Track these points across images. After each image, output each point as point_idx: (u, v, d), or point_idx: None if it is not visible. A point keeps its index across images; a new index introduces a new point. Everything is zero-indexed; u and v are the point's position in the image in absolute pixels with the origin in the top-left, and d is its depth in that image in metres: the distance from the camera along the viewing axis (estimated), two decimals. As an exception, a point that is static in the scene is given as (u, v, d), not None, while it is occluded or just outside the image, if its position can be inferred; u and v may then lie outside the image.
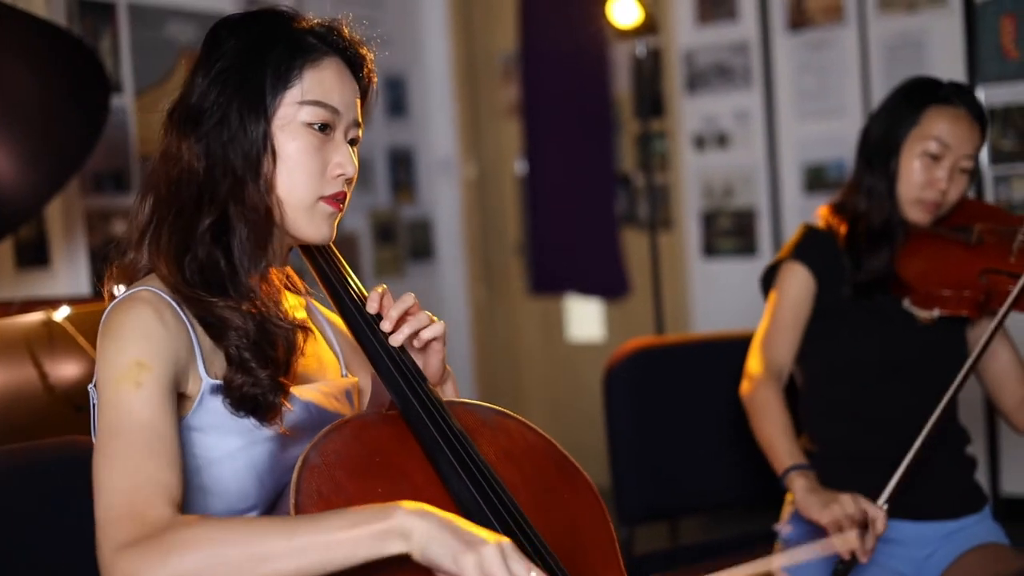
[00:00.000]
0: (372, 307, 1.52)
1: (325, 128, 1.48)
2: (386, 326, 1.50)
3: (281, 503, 1.45)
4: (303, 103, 1.46)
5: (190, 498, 1.42)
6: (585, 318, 5.14)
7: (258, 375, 1.41)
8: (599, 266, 4.95)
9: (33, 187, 2.80)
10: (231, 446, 1.41)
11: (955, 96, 2.27)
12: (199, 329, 1.42)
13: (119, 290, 1.48)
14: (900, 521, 2.20)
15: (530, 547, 1.35)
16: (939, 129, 2.24)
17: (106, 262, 1.51)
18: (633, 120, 4.80)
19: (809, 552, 1.47)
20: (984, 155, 3.84)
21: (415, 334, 1.52)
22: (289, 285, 1.59)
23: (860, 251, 2.28)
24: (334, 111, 1.48)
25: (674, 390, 2.63)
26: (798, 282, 2.30)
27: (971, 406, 3.79)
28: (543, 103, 5.02)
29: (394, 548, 1.22)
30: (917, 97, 2.28)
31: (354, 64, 1.53)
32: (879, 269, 2.26)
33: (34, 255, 3.36)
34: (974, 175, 2.32)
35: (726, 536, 2.82)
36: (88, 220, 3.51)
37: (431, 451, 1.42)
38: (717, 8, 4.49)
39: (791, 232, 3.12)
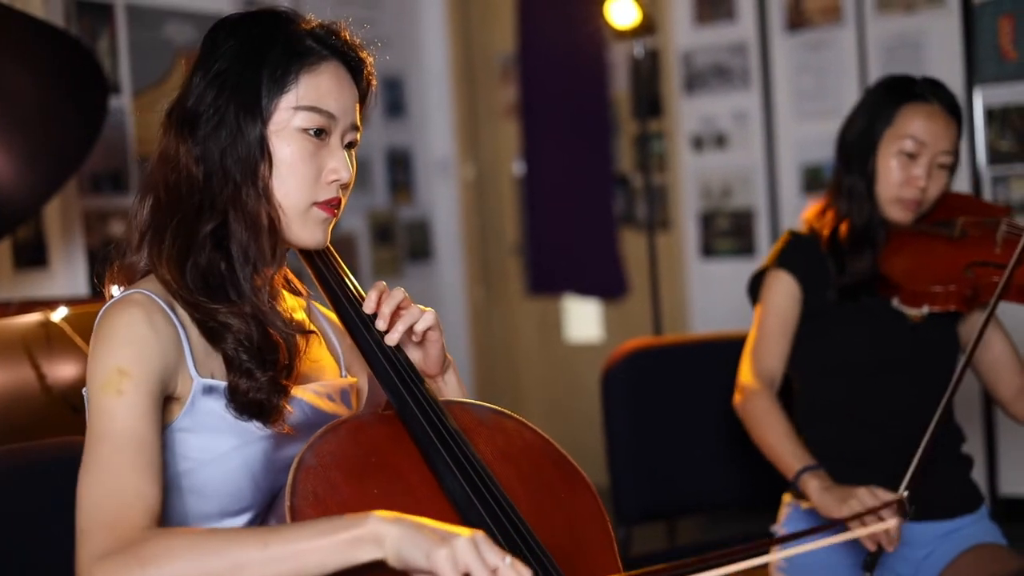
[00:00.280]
0: (369, 307, 1.52)
1: (321, 133, 1.47)
2: (380, 324, 1.51)
3: (277, 505, 1.45)
4: (298, 108, 1.45)
5: (183, 501, 1.42)
6: (583, 318, 5.14)
7: (259, 378, 1.41)
8: (597, 267, 4.95)
9: (31, 188, 2.80)
10: (225, 446, 1.41)
11: (928, 93, 2.26)
12: (191, 330, 1.42)
13: (118, 291, 1.48)
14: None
15: (524, 546, 1.35)
16: (914, 127, 2.23)
17: (106, 263, 1.52)
18: (631, 121, 4.80)
19: (805, 547, 1.47)
20: (982, 155, 3.84)
21: (410, 329, 1.52)
22: (287, 286, 1.59)
23: (842, 254, 2.27)
24: (330, 116, 1.47)
25: (672, 391, 2.63)
26: (783, 290, 2.29)
27: (969, 407, 3.79)
28: (541, 104, 5.03)
29: (367, 554, 1.22)
30: (890, 96, 2.28)
31: (353, 67, 1.52)
32: (863, 271, 2.26)
33: (32, 256, 3.36)
34: (954, 169, 2.30)
35: (723, 537, 2.82)
36: (86, 221, 3.51)
37: (426, 450, 1.42)
38: (715, 9, 4.49)
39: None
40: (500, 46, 5.19)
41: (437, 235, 5.22)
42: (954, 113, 2.27)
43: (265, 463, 1.44)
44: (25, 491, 1.66)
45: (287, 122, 1.45)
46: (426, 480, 1.40)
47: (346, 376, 1.64)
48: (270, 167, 1.45)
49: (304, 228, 1.48)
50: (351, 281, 1.56)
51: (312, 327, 1.58)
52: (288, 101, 1.45)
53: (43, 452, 1.71)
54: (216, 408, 1.42)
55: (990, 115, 3.82)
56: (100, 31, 3.58)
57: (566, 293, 5.13)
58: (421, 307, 1.55)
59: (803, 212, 2.42)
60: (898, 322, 2.27)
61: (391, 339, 1.50)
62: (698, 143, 4.58)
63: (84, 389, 1.43)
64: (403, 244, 5.02)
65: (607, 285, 4.94)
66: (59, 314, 2.36)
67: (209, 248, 1.44)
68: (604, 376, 2.59)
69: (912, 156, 2.23)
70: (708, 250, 4.60)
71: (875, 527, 1.92)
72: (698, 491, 2.65)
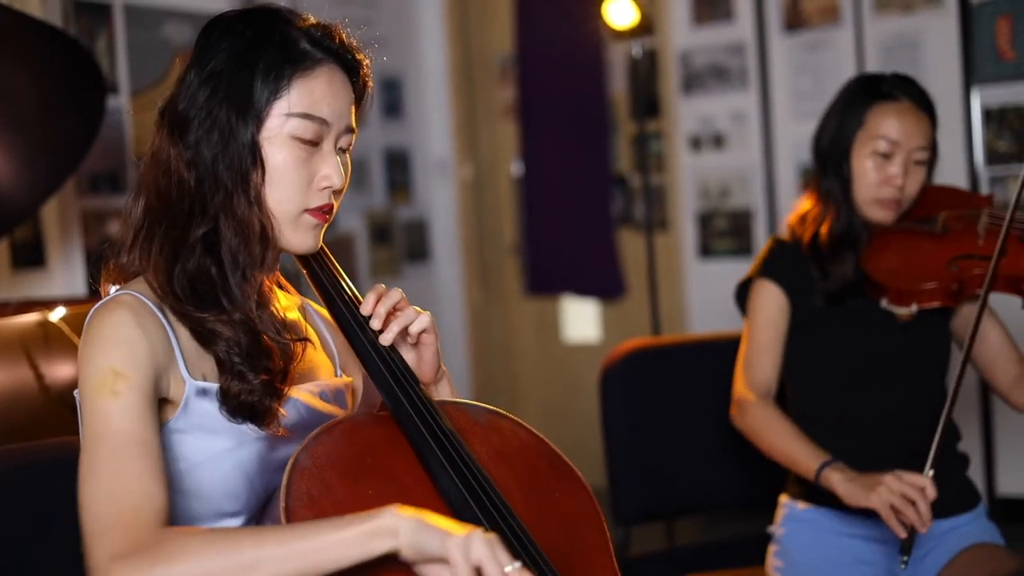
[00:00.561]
0: (367, 309, 1.51)
1: (313, 139, 1.46)
2: (375, 324, 1.50)
3: (271, 506, 1.45)
4: (290, 115, 1.43)
5: (177, 503, 1.41)
6: (581, 319, 5.14)
7: (252, 381, 1.41)
8: (595, 267, 4.95)
9: (29, 188, 2.80)
10: (218, 448, 1.41)
11: (897, 90, 2.25)
12: (182, 332, 1.42)
13: (115, 290, 1.48)
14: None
15: (520, 547, 1.35)
16: (885, 127, 2.23)
17: (101, 261, 1.51)
18: (629, 121, 4.80)
19: None
20: (980, 156, 3.85)
21: (405, 331, 1.52)
22: (281, 284, 1.59)
23: (824, 259, 2.27)
24: (323, 123, 1.45)
25: (670, 391, 2.63)
26: (769, 300, 2.29)
27: (967, 407, 3.79)
28: (539, 104, 5.03)
29: (383, 546, 1.24)
30: (859, 97, 2.27)
31: (350, 69, 1.50)
32: (846, 275, 2.25)
33: (30, 256, 3.36)
34: (932, 163, 2.30)
35: (721, 537, 2.83)
36: (84, 221, 3.51)
37: (421, 451, 1.42)
38: (713, 9, 4.49)
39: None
40: (498, 46, 5.19)
41: (435, 235, 5.22)
42: (926, 108, 2.26)
43: (260, 464, 1.44)
44: (24, 491, 1.66)
45: (279, 128, 1.44)
46: (421, 481, 1.40)
47: (341, 375, 1.64)
48: (262, 174, 1.44)
49: (295, 234, 1.47)
50: (346, 282, 1.56)
51: (308, 332, 1.58)
52: (281, 107, 1.43)
53: (42, 452, 1.71)
54: (210, 410, 1.41)
55: (988, 115, 3.82)
56: (98, 31, 3.58)
57: (564, 293, 5.13)
58: (417, 309, 1.54)
59: (786, 218, 2.42)
60: (888, 322, 2.27)
61: (385, 339, 1.50)
62: (696, 143, 4.59)
63: (76, 391, 1.44)
64: (401, 244, 5.02)
65: (605, 285, 4.94)
66: (57, 314, 2.36)
67: (199, 253, 1.43)
68: (603, 376, 2.59)
69: (887, 156, 2.23)
70: (706, 250, 4.60)
71: (892, 520, 1.96)
72: (696, 491, 2.65)
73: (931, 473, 2.00)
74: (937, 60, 4.01)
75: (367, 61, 1.53)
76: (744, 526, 2.66)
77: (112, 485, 1.29)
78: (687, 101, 4.58)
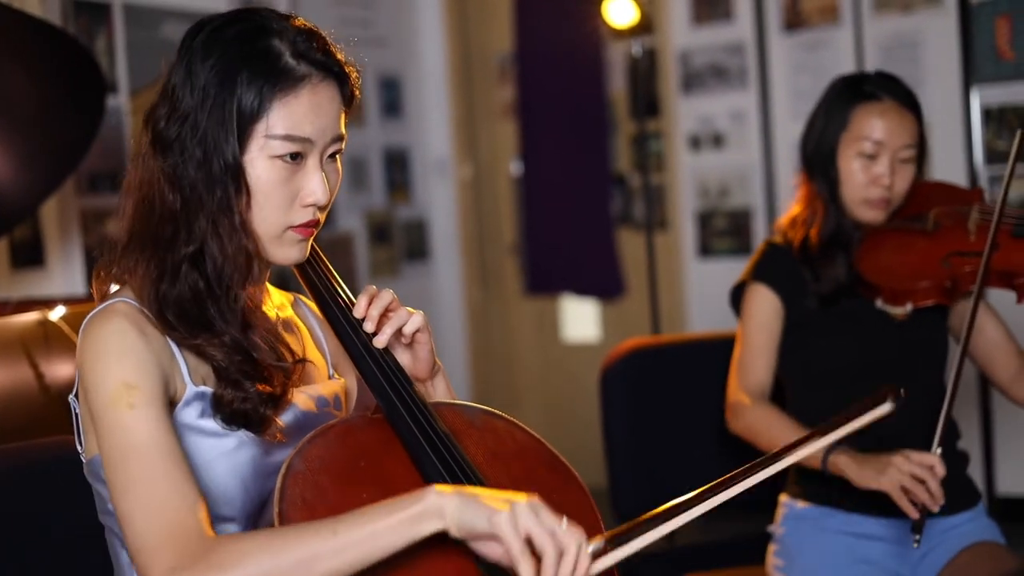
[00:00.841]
0: (359, 311, 1.50)
1: (296, 157, 1.43)
2: (368, 327, 1.50)
3: (266, 510, 1.44)
4: (270, 137, 1.41)
5: None
6: (581, 318, 5.14)
7: (248, 389, 1.40)
8: (595, 266, 4.95)
9: (28, 187, 2.80)
10: (214, 452, 1.41)
11: (880, 89, 2.25)
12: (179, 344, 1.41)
13: (115, 288, 1.47)
14: (894, 519, 2.20)
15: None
16: (869, 127, 2.22)
17: (97, 261, 1.49)
18: (629, 120, 4.80)
19: None
20: (979, 155, 3.85)
21: (399, 332, 1.52)
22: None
23: (815, 261, 2.27)
24: (305, 141, 1.42)
25: (670, 390, 2.63)
26: (763, 303, 2.29)
27: (966, 407, 3.79)
28: (539, 103, 5.02)
29: (431, 527, 1.25)
30: (842, 99, 2.27)
31: (337, 77, 1.46)
32: (838, 277, 2.25)
33: (29, 255, 3.35)
34: (921, 160, 2.29)
35: (721, 537, 2.82)
36: (83, 220, 3.51)
37: (415, 454, 1.42)
38: (713, 8, 4.49)
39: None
40: (497, 46, 5.19)
41: (434, 235, 5.22)
42: (910, 106, 2.25)
43: (255, 469, 1.43)
44: (23, 490, 1.66)
45: (260, 149, 1.41)
46: (416, 484, 1.39)
47: (334, 375, 1.63)
48: (248, 199, 1.41)
49: (279, 249, 1.46)
50: (339, 284, 1.55)
51: (300, 330, 1.58)
52: (260, 130, 1.40)
53: (41, 451, 1.71)
54: (206, 414, 1.41)
55: (987, 115, 3.82)
56: (97, 30, 3.58)
57: (563, 293, 5.13)
58: (410, 309, 1.53)
59: (777, 221, 2.42)
60: (883, 322, 2.27)
61: (379, 341, 1.49)
62: (695, 143, 4.59)
63: (71, 396, 1.43)
64: (400, 244, 5.02)
65: (604, 285, 4.94)
66: (57, 313, 2.36)
67: (185, 271, 1.41)
68: (603, 375, 2.59)
69: (872, 156, 2.22)
70: (706, 250, 4.60)
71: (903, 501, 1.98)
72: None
73: (939, 451, 2.01)
74: (936, 60, 4.01)
75: (355, 72, 1.49)
76: (744, 525, 2.65)
77: (152, 499, 1.29)
78: (687, 101, 4.58)
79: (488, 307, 5.34)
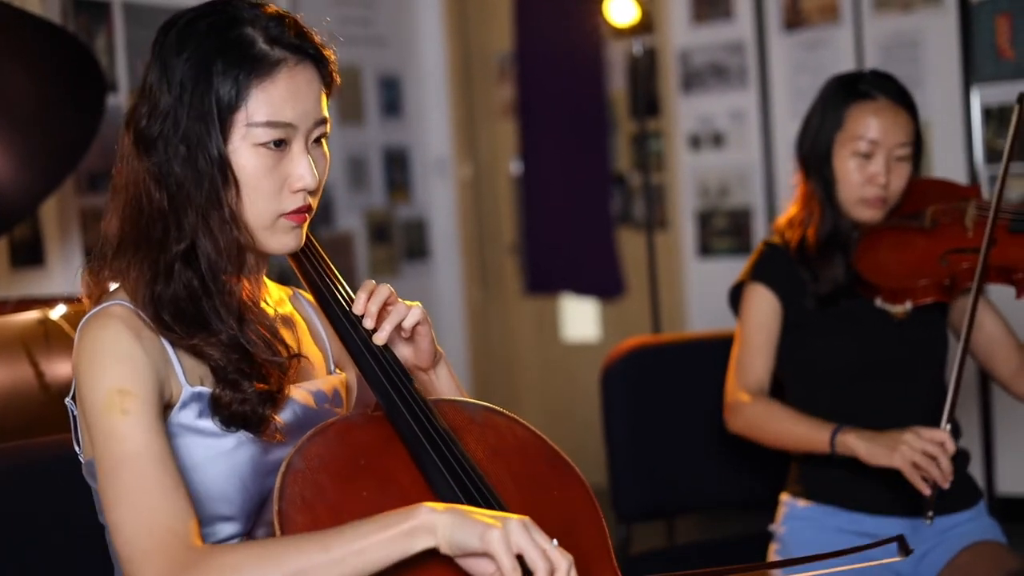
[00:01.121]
0: (359, 308, 1.50)
1: (280, 143, 1.42)
2: (368, 323, 1.49)
3: (266, 509, 1.44)
4: (251, 125, 1.40)
5: None
6: (580, 318, 5.14)
7: (246, 390, 1.40)
8: (594, 266, 4.95)
9: (28, 186, 2.79)
10: (212, 452, 1.40)
11: (875, 88, 2.25)
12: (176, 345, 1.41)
13: (113, 287, 1.46)
14: (895, 518, 2.20)
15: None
16: (864, 127, 2.22)
17: (87, 264, 1.48)
18: (629, 120, 4.80)
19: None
20: (979, 154, 3.85)
21: (399, 327, 1.51)
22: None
23: (813, 262, 2.27)
24: (287, 126, 1.41)
25: (671, 389, 2.63)
26: (761, 304, 2.29)
27: (966, 407, 3.79)
28: (539, 103, 5.02)
29: (422, 544, 1.24)
30: (837, 98, 2.27)
31: (314, 60, 1.45)
32: (836, 277, 2.25)
33: (29, 255, 3.35)
34: (918, 158, 2.29)
35: (722, 536, 2.82)
36: (83, 220, 3.51)
37: (415, 451, 1.41)
38: (713, 8, 4.49)
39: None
40: (497, 45, 5.18)
41: (434, 234, 5.22)
42: (904, 104, 2.25)
43: (254, 467, 1.43)
44: (23, 489, 1.65)
45: (243, 139, 1.40)
46: (416, 481, 1.39)
47: (335, 371, 1.63)
48: (236, 190, 1.40)
49: (273, 237, 1.45)
50: (339, 281, 1.54)
51: (299, 325, 1.58)
52: (241, 119, 1.39)
53: (41, 450, 1.71)
54: (204, 414, 1.40)
55: (987, 114, 3.82)
56: (97, 29, 3.58)
57: (563, 292, 5.13)
58: (408, 302, 1.53)
59: (775, 221, 2.42)
60: (883, 321, 2.27)
61: (379, 338, 1.48)
62: (695, 142, 4.58)
63: (68, 399, 1.43)
64: (400, 243, 5.02)
65: (604, 284, 4.94)
66: (58, 312, 2.36)
67: (179, 269, 1.40)
68: (603, 374, 2.59)
69: (867, 155, 2.22)
70: (705, 249, 4.60)
71: (916, 478, 1.98)
72: (697, 490, 2.64)
73: (948, 428, 2.02)
74: (937, 59, 4.01)
75: (332, 54, 1.48)
76: (745, 524, 2.65)
77: (142, 508, 1.29)
78: (687, 100, 4.58)
79: (488, 307, 5.34)
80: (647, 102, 4.54)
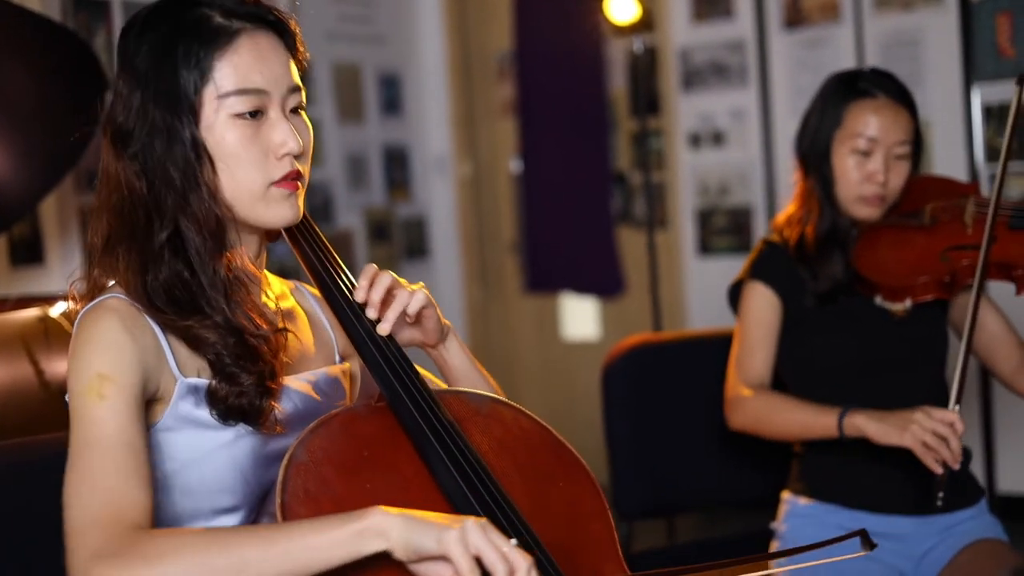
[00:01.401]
0: (360, 296, 1.49)
1: (256, 113, 1.42)
2: (371, 313, 1.48)
3: (268, 502, 1.43)
4: (222, 96, 1.40)
5: (171, 502, 1.40)
6: (581, 316, 5.14)
7: (243, 382, 1.39)
8: (595, 264, 4.95)
9: (27, 184, 2.79)
10: (210, 444, 1.40)
11: (874, 86, 2.25)
12: (172, 332, 1.40)
13: (112, 283, 1.46)
14: (897, 516, 2.20)
15: (517, 539, 1.33)
16: (862, 124, 2.22)
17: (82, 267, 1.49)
18: (629, 118, 4.80)
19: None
20: (980, 153, 3.85)
21: (403, 313, 1.50)
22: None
23: (812, 260, 2.26)
24: (259, 92, 1.41)
25: (671, 387, 2.63)
26: (760, 301, 2.28)
27: (966, 405, 3.79)
28: (539, 101, 5.02)
29: (373, 546, 1.21)
30: (836, 96, 2.26)
31: (275, 29, 1.45)
32: (835, 275, 2.25)
33: (28, 253, 3.35)
34: (917, 156, 2.29)
35: (723, 534, 2.82)
36: (82, 217, 3.50)
37: (419, 444, 1.40)
38: (713, 6, 4.48)
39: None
40: (497, 43, 5.18)
41: (434, 233, 5.22)
42: (904, 102, 2.25)
43: (254, 458, 1.42)
44: (23, 487, 1.65)
45: (216, 113, 1.40)
46: (420, 473, 1.39)
47: (340, 361, 1.62)
48: (213, 167, 1.40)
49: (268, 209, 1.44)
50: (341, 268, 1.53)
51: (300, 316, 1.57)
52: (210, 93, 1.39)
53: (41, 447, 1.70)
54: (201, 406, 1.40)
55: (988, 112, 3.82)
56: (97, 26, 3.57)
57: (563, 291, 5.13)
58: (411, 287, 1.52)
59: (774, 219, 2.41)
60: (882, 319, 2.26)
61: (383, 329, 1.48)
62: (696, 141, 4.58)
63: (67, 396, 1.42)
64: (400, 242, 5.02)
65: (605, 283, 4.94)
66: (58, 309, 2.36)
67: (168, 257, 1.40)
68: (604, 372, 2.58)
69: (866, 153, 2.22)
70: (705, 247, 4.59)
71: (928, 457, 1.99)
72: (698, 488, 2.64)
73: (957, 408, 2.02)
74: (937, 57, 4.01)
75: (296, 26, 1.48)
76: (746, 523, 2.65)
77: (95, 486, 1.27)
78: (687, 98, 4.58)
79: (488, 305, 5.34)
80: (647, 100, 4.53)
